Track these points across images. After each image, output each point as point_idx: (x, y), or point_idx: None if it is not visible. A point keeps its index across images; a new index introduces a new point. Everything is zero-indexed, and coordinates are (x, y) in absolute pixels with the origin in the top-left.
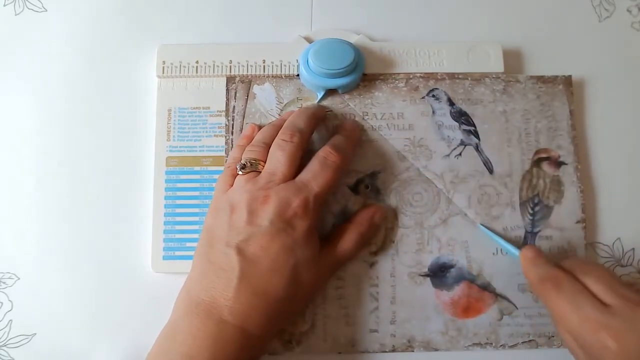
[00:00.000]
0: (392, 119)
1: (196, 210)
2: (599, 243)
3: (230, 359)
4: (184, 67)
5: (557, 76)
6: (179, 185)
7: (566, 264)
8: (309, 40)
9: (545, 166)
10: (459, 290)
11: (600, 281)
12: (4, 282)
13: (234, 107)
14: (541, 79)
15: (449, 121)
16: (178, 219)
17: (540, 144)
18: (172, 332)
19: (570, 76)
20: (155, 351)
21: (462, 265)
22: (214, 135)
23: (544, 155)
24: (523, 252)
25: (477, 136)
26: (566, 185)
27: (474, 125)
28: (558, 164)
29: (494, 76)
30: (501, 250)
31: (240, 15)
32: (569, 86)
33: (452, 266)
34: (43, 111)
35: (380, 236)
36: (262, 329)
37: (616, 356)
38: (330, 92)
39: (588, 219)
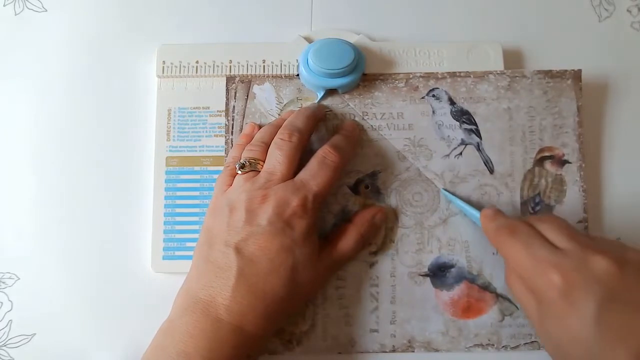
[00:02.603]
0: (392, 119)
1: (196, 210)
2: None
3: (227, 357)
4: (184, 67)
5: (565, 70)
6: (179, 185)
7: (524, 218)
8: (309, 40)
9: (548, 165)
10: (458, 290)
11: (555, 228)
12: (4, 282)
13: (234, 107)
14: (549, 74)
15: (450, 120)
16: (178, 219)
17: (544, 142)
18: (170, 330)
19: (580, 70)
20: (152, 348)
21: (462, 265)
22: (214, 135)
23: (547, 153)
24: (483, 211)
25: (479, 135)
26: (569, 184)
27: (475, 124)
28: (562, 162)
29: (498, 72)
30: None
31: (240, 15)
32: (578, 81)
33: (452, 266)
34: (43, 111)
35: (380, 236)
36: (259, 328)
37: (559, 291)
38: (330, 92)
39: (593, 218)
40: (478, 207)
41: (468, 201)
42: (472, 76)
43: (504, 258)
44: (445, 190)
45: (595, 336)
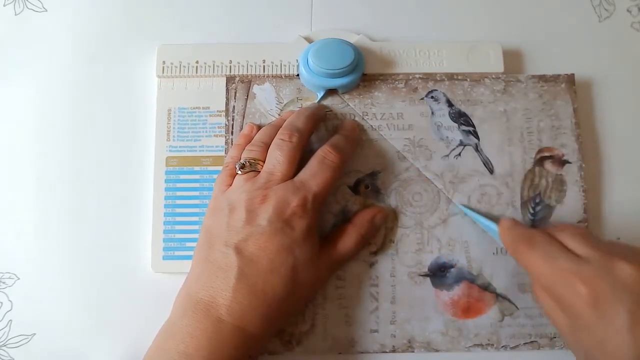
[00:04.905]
0: (392, 119)
1: (196, 210)
2: None
3: (228, 358)
4: (184, 67)
5: (559, 75)
6: (179, 185)
7: (543, 228)
8: (309, 40)
9: (549, 165)
10: (458, 290)
11: (575, 236)
12: (4, 282)
13: (234, 107)
14: (543, 78)
15: (448, 122)
16: (178, 219)
17: (543, 142)
18: (171, 331)
19: (572, 74)
20: (153, 349)
21: (462, 265)
22: (214, 135)
23: (547, 154)
24: (501, 222)
25: (477, 136)
26: (569, 184)
27: (473, 126)
28: (562, 162)
29: (493, 76)
30: (502, 249)
31: (240, 15)
32: (571, 84)
33: (452, 266)
34: (43, 111)
35: (380, 236)
36: (260, 328)
37: (586, 302)
38: (330, 92)
39: (593, 218)
40: (496, 220)
41: (486, 213)
42: (469, 79)
43: (525, 269)
44: (463, 205)
45: (630, 346)
